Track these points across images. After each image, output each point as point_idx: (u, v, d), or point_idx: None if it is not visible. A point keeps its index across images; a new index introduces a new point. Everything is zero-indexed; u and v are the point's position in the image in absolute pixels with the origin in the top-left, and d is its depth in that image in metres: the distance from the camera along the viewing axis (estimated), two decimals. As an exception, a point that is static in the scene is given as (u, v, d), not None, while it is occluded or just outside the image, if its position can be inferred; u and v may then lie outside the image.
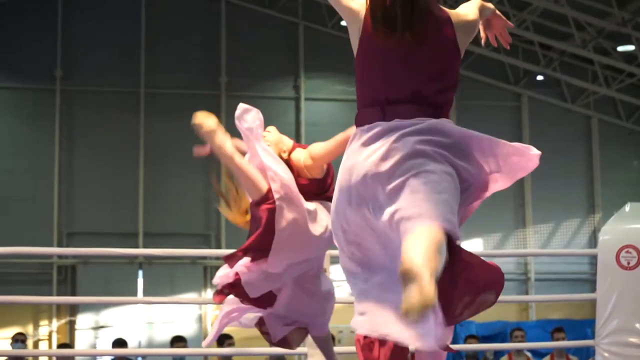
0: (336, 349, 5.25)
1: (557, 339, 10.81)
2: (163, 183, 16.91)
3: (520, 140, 18.33)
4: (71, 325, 16.46)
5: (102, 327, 16.41)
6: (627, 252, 6.35)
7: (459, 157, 3.21)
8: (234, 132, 4.68)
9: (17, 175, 16.70)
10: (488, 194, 3.39)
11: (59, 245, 16.32)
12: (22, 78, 16.89)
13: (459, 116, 18.21)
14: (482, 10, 3.50)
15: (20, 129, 16.94)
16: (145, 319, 16.57)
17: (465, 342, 11.61)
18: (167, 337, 12.70)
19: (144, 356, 12.05)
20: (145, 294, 16.21)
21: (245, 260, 4.60)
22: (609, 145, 18.81)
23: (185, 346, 10.83)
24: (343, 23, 17.73)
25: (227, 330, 5.65)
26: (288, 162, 4.75)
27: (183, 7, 17.49)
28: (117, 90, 17.08)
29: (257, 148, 4.59)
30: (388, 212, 3.11)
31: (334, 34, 17.71)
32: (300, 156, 4.77)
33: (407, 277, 2.74)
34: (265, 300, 4.71)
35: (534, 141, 20.61)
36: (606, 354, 6.35)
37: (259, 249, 4.57)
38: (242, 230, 4.91)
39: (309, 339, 5.26)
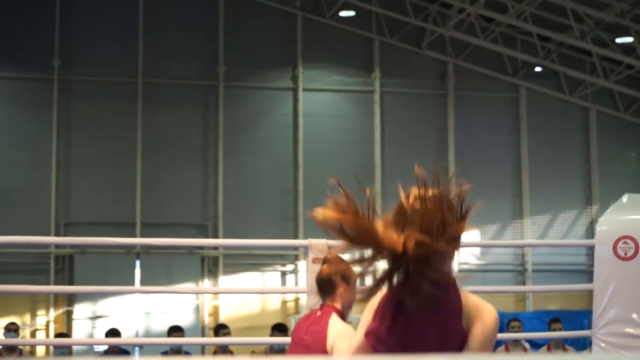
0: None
1: (554, 330, 10.84)
2: (160, 173, 16.89)
3: (518, 132, 18.40)
4: (68, 314, 16.46)
5: (99, 316, 16.40)
6: (624, 242, 6.36)
7: None
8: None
9: (14, 165, 16.69)
10: None
11: (57, 235, 16.28)
12: (20, 67, 16.85)
13: (457, 107, 18.21)
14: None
15: (18, 118, 16.91)
16: (142, 308, 16.56)
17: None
18: (165, 326, 12.69)
19: (141, 345, 12.07)
20: (143, 283, 16.21)
21: None
22: (607, 137, 18.80)
23: (182, 336, 10.85)
24: (341, 14, 17.77)
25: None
26: None
27: (181, -3, 17.50)
28: (115, 80, 17.05)
29: None
30: None
31: (332, 24, 17.68)
32: None
33: None
34: None
35: (531, 132, 20.65)
36: (603, 344, 6.36)
37: None
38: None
39: None
